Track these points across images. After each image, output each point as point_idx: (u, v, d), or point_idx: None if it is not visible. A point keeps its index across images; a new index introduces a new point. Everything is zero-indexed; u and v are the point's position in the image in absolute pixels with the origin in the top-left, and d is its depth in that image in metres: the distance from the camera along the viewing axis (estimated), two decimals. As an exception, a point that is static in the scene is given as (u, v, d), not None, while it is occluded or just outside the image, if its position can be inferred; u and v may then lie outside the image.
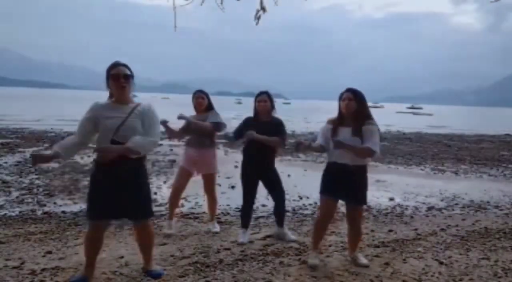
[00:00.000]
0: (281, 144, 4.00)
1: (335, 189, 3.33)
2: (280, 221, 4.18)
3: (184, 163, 4.32)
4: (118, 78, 2.77)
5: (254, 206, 4.29)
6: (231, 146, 12.70)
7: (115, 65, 2.82)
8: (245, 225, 4.11)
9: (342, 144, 3.18)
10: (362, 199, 3.39)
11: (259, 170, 4.04)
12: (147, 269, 3.11)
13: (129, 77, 2.82)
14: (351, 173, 3.29)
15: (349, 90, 3.34)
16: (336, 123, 3.36)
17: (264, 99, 4.01)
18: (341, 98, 3.34)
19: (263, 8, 3.12)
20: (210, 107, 4.36)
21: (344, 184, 3.29)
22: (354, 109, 3.27)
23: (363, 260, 3.47)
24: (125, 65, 2.85)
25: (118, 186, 2.77)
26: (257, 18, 3.17)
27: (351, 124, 3.29)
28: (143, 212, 2.93)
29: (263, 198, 5.00)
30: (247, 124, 4.05)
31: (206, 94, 4.38)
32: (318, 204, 5.18)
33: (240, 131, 4.07)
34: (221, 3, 3.09)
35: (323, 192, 3.40)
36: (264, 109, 4.01)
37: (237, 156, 10.86)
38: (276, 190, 4.11)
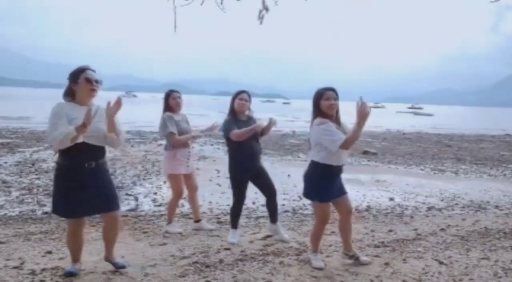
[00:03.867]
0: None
1: (331, 191, 3.31)
2: (273, 217, 4.15)
3: (175, 169, 4.20)
4: (91, 81, 2.93)
5: (254, 206, 4.28)
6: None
7: (86, 68, 2.97)
8: (234, 225, 4.09)
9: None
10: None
11: (250, 171, 4.00)
12: (109, 259, 3.17)
13: (99, 82, 3.01)
14: (341, 172, 3.40)
15: (332, 89, 3.27)
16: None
17: (246, 98, 3.99)
18: (322, 97, 3.23)
19: (266, 8, 3.11)
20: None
21: (337, 182, 3.37)
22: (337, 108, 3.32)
23: (364, 258, 3.48)
24: (94, 71, 3.04)
25: (87, 185, 2.89)
26: (260, 18, 3.16)
27: (333, 121, 3.32)
28: (113, 204, 3.01)
29: (263, 197, 4.99)
30: (232, 122, 3.95)
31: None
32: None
33: (230, 130, 3.92)
34: (221, 3, 3.09)
35: (322, 198, 3.32)
36: (243, 107, 3.99)
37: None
38: (266, 185, 4.09)
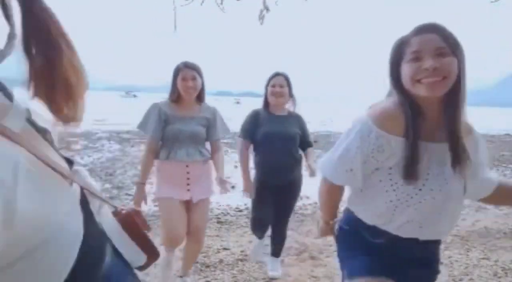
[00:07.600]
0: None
1: (388, 267, 1.40)
2: (276, 251, 3.30)
3: (167, 190, 2.52)
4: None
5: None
6: (232, 146, 12.67)
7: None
8: (257, 236, 3.37)
9: None
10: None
11: (270, 185, 2.96)
12: None
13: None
14: (413, 254, 1.43)
15: (431, 28, 1.21)
16: (413, 132, 1.25)
17: (280, 84, 2.80)
18: (403, 53, 1.26)
19: (266, 8, 3.12)
20: (202, 97, 2.67)
21: (403, 261, 1.42)
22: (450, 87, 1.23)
23: None
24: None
25: None
26: (261, 17, 3.16)
27: (438, 129, 1.32)
28: None
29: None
30: (256, 119, 2.90)
31: (199, 72, 2.55)
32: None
33: (249, 131, 2.93)
34: (221, 3, 3.10)
35: (349, 272, 1.46)
36: (280, 98, 2.80)
37: (238, 156, 10.81)
38: (276, 207, 3.06)
